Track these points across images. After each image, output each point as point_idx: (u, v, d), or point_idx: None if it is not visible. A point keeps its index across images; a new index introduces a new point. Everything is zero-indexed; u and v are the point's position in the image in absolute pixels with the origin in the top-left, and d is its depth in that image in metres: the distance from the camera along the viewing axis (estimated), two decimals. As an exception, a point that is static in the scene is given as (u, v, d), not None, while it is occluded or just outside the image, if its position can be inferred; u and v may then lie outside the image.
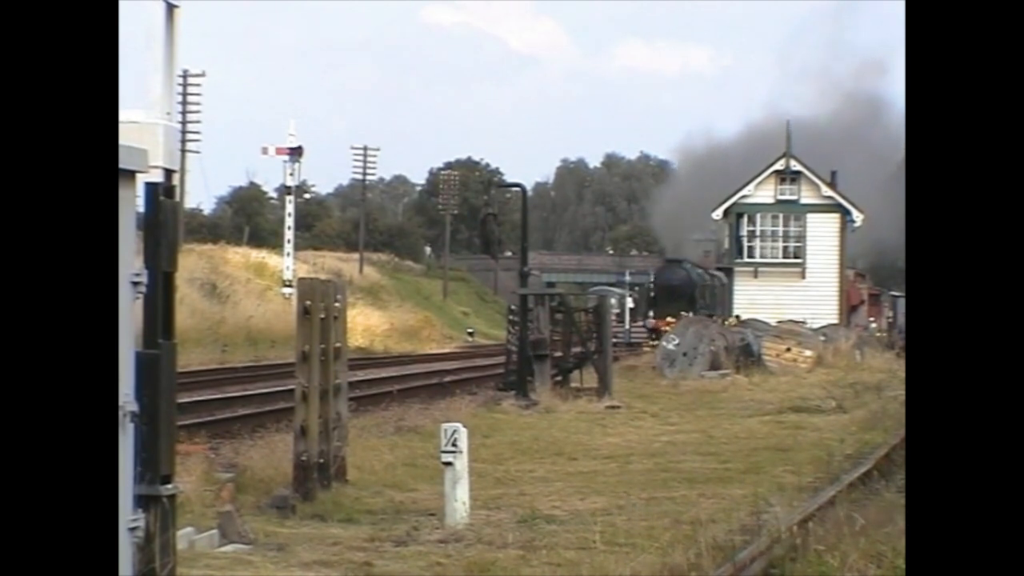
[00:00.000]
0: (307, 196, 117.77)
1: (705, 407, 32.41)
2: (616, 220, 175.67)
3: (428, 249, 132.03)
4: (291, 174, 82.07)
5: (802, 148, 60.13)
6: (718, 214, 60.03)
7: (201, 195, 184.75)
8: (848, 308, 61.41)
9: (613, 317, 49.47)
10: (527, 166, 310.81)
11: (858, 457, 20.71)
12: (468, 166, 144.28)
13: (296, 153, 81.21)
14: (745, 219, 58.82)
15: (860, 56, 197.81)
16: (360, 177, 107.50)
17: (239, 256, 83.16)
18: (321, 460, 17.40)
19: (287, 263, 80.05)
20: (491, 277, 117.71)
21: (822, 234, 58.03)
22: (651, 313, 70.94)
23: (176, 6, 9.39)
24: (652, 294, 70.85)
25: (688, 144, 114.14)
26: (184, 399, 26.26)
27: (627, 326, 79.55)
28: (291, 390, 19.26)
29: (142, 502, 8.70)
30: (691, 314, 62.58)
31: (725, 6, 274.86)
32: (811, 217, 58.21)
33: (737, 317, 54.09)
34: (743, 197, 58.72)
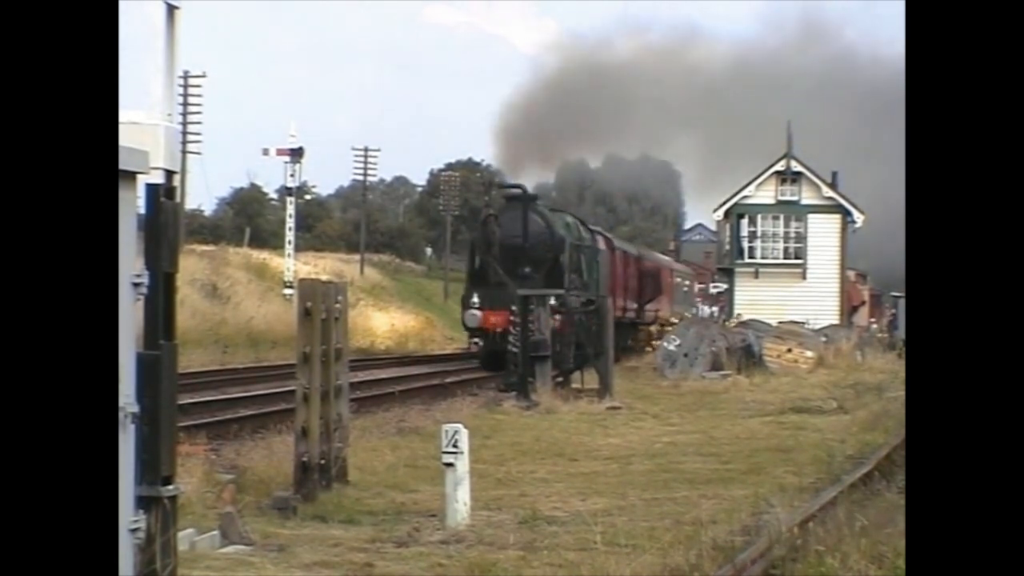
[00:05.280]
0: (308, 197, 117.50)
1: (706, 408, 32.38)
2: (617, 220, 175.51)
3: (429, 250, 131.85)
4: (292, 175, 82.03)
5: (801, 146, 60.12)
6: (719, 215, 60.09)
7: (202, 196, 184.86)
8: (849, 309, 61.46)
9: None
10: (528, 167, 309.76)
11: (859, 458, 20.70)
12: (469, 167, 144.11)
13: (297, 154, 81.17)
14: (746, 220, 58.87)
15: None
16: (361, 178, 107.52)
17: (240, 257, 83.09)
18: (322, 461, 17.40)
19: (288, 264, 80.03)
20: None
21: (823, 235, 58.10)
22: (475, 298, 41.95)
23: (177, 7, 9.39)
24: (477, 262, 42.91)
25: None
26: (185, 400, 26.25)
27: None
28: (292, 391, 19.25)
29: (143, 503, 8.70)
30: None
31: (727, 5, 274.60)
32: (812, 218, 58.28)
33: (739, 316, 54.12)
34: (744, 198, 58.78)
